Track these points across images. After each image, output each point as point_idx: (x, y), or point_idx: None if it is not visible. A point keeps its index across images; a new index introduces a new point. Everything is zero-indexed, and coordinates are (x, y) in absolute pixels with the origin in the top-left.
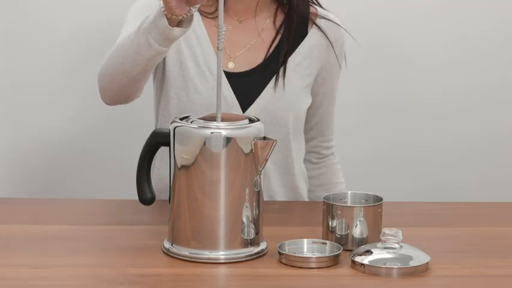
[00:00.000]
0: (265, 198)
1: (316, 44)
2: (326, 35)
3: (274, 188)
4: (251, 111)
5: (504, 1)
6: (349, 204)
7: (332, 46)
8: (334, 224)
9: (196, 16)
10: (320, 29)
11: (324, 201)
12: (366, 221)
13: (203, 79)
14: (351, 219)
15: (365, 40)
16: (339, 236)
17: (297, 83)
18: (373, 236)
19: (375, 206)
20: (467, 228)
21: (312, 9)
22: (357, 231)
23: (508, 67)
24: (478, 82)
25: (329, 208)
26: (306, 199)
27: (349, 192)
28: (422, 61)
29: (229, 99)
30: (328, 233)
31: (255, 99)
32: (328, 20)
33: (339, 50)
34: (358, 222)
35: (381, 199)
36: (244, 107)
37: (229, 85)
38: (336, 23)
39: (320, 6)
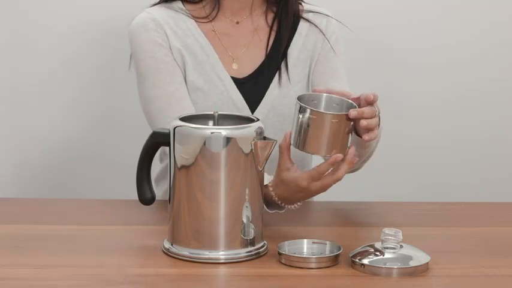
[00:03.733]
0: None
1: (309, 35)
2: (316, 26)
3: None
4: (259, 111)
5: (504, 1)
6: (322, 110)
7: (323, 34)
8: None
9: (192, 24)
10: (309, 21)
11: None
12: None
13: (211, 85)
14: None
15: (364, 40)
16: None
17: (298, 78)
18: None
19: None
20: (467, 228)
21: (299, 7)
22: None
23: (508, 67)
24: (478, 82)
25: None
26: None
27: (325, 95)
28: (421, 61)
29: (239, 103)
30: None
31: (262, 99)
32: (316, 12)
33: (330, 35)
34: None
35: (355, 106)
36: (253, 108)
37: (237, 89)
38: (323, 13)
39: (303, 1)
